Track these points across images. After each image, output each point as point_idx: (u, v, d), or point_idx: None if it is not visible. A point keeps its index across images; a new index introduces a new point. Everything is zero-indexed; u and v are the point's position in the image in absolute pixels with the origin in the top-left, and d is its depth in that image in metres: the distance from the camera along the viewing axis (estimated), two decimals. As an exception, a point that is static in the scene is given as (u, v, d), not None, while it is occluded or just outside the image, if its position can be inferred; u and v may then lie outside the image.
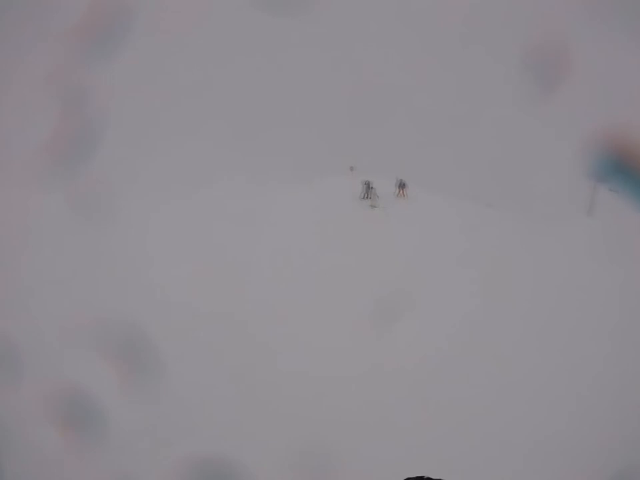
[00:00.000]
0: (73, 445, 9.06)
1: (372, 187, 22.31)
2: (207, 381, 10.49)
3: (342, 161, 22.70)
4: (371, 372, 10.80)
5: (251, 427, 9.56)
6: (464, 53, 23.43)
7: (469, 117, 23.33)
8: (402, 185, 23.57)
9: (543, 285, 13.45)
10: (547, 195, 19.10)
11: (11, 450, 8.83)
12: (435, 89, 23.77)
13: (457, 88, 23.78)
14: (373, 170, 21.93)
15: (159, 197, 16.24)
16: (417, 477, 3.57)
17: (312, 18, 21.53)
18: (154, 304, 12.04)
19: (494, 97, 22.30)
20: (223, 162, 18.75)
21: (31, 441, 9.17)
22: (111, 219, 14.14)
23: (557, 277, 13.72)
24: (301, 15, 20.85)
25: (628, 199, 15.00)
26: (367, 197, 22.46)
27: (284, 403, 10.05)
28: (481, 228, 16.90)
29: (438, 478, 3.58)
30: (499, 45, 22.51)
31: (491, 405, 9.93)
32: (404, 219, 19.86)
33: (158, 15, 21.50)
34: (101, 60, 17.73)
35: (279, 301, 12.98)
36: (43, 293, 12.51)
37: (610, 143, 15.57)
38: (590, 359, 10.79)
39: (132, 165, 17.22)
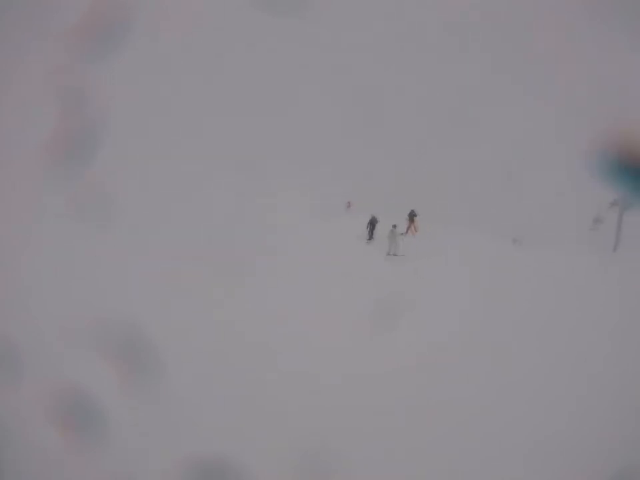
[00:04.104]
0: (73, 445, 9.06)
1: (393, 226, 17.21)
2: (207, 381, 10.50)
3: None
4: (371, 372, 10.80)
5: (252, 428, 9.56)
6: (463, 55, 23.37)
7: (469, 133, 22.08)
8: (412, 216, 18.93)
9: (542, 284, 13.46)
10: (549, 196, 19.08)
11: (11, 450, 8.84)
12: (433, 95, 22.61)
13: (458, 97, 22.87)
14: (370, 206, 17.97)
15: (160, 197, 16.25)
16: None
17: (313, 18, 21.52)
18: (154, 304, 12.04)
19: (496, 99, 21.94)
20: (225, 161, 18.73)
21: (31, 441, 9.17)
22: (111, 218, 14.15)
23: (557, 276, 13.73)
24: (302, 15, 20.84)
25: (628, 197, 15.02)
26: (370, 238, 17.87)
27: (284, 403, 10.06)
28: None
29: None
30: (499, 45, 22.52)
31: (490, 405, 9.93)
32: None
33: (158, 15, 21.47)
34: (101, 60, 17.72)
35: (280, 301, 12.99)
36: (42, 292, 12.51)
37: (611, 143, 15.57)
38: (590, 359, 10.80)
39: (132, 165, 17.22)
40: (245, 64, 23.74)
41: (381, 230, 18.35)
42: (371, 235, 18.02)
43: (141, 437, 9.31)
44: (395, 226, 17.70)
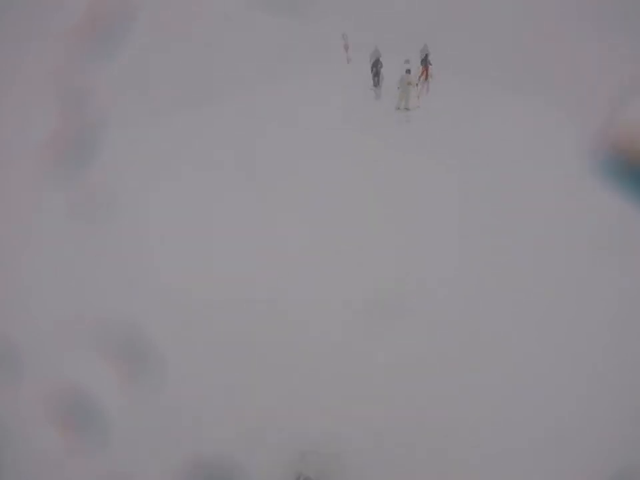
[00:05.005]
0: (73, 445, 9.07)
1: (407, 72, 12.78)
2: (207, 381, 10.50)
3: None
4: (372, 371, 10.79)
5: (252, 427, 9.57)
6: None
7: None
8: (426, 60, 15.04)
9: (542, 276, 13.37)
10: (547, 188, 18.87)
11: (11, 450, 8.85)
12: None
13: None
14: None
15: (160, 197, 16.24)
16: None
17: (314, 18, 21.50)
18: (154, 304, 12.05)
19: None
20: (227, 164, 18.70)
21: (31, 441, 9.18)
22: (111, 219, 14.15)
23: (557, 269, 13.61)
24: (303, 16, 20.82)
25: (629, 196, 14.95)
26: (377, 85, 13.36)
27: (286, 403, 10.06)
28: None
29: None
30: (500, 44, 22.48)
31: (490, 405, 9.93)
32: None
33: (158, 15, 21.48)
34: (101, 60, 17.73)
35: (279, 302, 12.97)
36: (42, 292, 12.52)
37: (609, 142, 15.51)
38: (591, 359, 10.77)
39: (132, 166, 17.23)
40: (246, 63, 23.76)
41: (388, 74, 14.56)
42: (376, 81, 14.49)
43: (141, 437, 9.32)
44: (408, 71, 14.23)
